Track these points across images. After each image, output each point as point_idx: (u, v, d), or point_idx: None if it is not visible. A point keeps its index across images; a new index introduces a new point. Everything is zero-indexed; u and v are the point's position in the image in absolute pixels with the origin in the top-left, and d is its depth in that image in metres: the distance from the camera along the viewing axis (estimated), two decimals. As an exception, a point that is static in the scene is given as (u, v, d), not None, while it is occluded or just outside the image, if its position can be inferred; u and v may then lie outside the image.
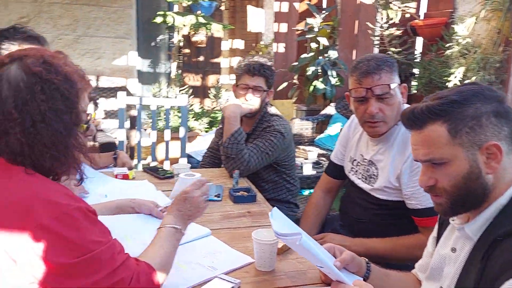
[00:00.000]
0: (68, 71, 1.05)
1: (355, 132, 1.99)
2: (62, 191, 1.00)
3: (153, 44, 5.95)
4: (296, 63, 5.56)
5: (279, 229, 1.12)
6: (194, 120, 5.09)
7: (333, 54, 5.09)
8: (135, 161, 3.25)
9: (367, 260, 1.29)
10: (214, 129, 4.78)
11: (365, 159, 1.87)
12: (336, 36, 5.19)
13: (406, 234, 1.71)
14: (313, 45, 5.45)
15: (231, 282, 1.22)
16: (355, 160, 1.95)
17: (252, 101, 2.29)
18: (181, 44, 5.93)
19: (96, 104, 4.71)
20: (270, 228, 1.26)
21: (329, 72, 5.07)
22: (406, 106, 1.73)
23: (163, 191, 1.96)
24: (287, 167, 2.45)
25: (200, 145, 4.20)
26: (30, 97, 0.97)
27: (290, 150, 2.43)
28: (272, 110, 2.42)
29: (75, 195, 1.03)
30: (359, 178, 1.90)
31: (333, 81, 5.01)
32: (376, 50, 4.29)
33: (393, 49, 3.85)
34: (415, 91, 3.86)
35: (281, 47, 6.50)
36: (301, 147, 4.85)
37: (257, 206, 1.86)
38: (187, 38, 5.82)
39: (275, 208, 1.27)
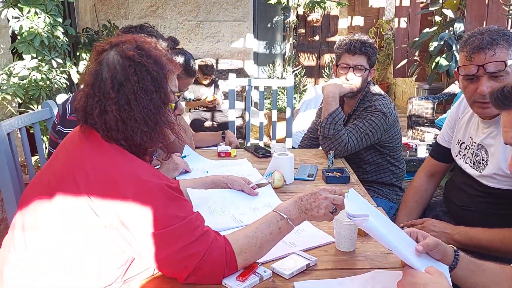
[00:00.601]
0: (157, 54, 1.14)
1: (465, 112, 1.83)
2: (146, 169, 1.10)
3: (268, 25, 6.07)
4: (417, 39, 5.23)
5: (350, 209, 1.10)
6: (307, 100, 5.10)
7: (459, 27, 4.67)
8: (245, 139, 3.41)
9: (455, 248, 1.20)
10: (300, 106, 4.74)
11: (475, 142, 1.71)
12: (464, 7, 4.74)
13: None
14: (437, 18, 5.07)
15: (307, 259, 1.24)
16: (463, 143, 1.80)
17: (353, 81, 2.23)
18: (296, 24, 5.95)
19: (217, 86, 4.99)
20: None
21: (454, 47, 4.68)
22: None
23: (259, 169, 2.03)
24: (391, 149, 2.35)
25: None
26: (124, 78, 1.08)
27: (394, 131, 2.32)
28: (375, 89, 2.32)
29: (159, 173, 1.12)
30: (466, 163, 1.75)
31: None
32: (509, 22, 3.83)
33: (528, 19, 3.40)
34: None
35: (402, 22, 6.15)
36: (419, 128, 4.59)
37: (349, 188, 1.83)
38: (302, 18, 5.81)
39: (352, 189, 1.24)
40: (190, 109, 4.91)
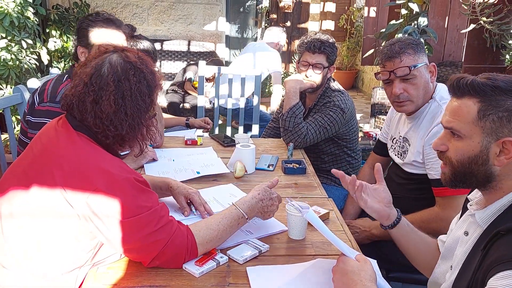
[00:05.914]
0: (153, 68, 1.32)
1: (396, 112, 2.08)
2: (117, 164, 1.22)
3: (241, 9, 6.11)
4: (384, 30, 5.38)
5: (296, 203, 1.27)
6: (277, 85, 5.21)
7: (423, 21, 4.85)
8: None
9: (399, 212, 1.40)
10: None
11: (401, 136, 1.97)
12: (428, 1, 4.92)
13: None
14: (404, 11, 5.23)
15: (259, 246, 1.38)
16: (394, 138, 2.06)
17: (312, 78, 2.37)
18: (269, 9, 6.02)
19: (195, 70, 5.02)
20: (305, 202, 1.45)
21: (417, 40, 4.86)
22: (439, 83, 1.87)
23: (223, 158, 2.15)
24: (348, 141, 2.53)
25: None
26: (124, 77, 1.23)
27: (351, 125, 2.49)
28: (335, 85, 2.47)
29: (128, 167, 1.24)
30: (395, 155, 2.02)
31: (421, 50, 4.80)
32: (465, 19, 4.04)
33: (484, 18, 3.60)
34: (509, 64, 3.61)
35: (372, 12, 6.29)
36: (381, 116, 4.78)
37: (305, 179, 1.99)
38: (274, 3, 5.88)
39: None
40: (167, 90, 4.94)
